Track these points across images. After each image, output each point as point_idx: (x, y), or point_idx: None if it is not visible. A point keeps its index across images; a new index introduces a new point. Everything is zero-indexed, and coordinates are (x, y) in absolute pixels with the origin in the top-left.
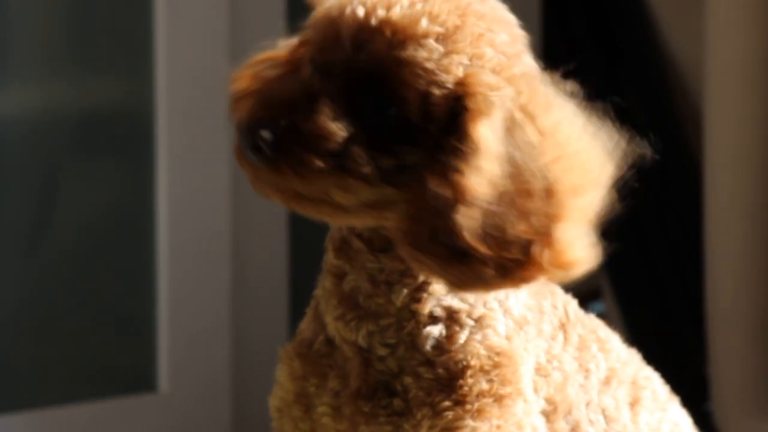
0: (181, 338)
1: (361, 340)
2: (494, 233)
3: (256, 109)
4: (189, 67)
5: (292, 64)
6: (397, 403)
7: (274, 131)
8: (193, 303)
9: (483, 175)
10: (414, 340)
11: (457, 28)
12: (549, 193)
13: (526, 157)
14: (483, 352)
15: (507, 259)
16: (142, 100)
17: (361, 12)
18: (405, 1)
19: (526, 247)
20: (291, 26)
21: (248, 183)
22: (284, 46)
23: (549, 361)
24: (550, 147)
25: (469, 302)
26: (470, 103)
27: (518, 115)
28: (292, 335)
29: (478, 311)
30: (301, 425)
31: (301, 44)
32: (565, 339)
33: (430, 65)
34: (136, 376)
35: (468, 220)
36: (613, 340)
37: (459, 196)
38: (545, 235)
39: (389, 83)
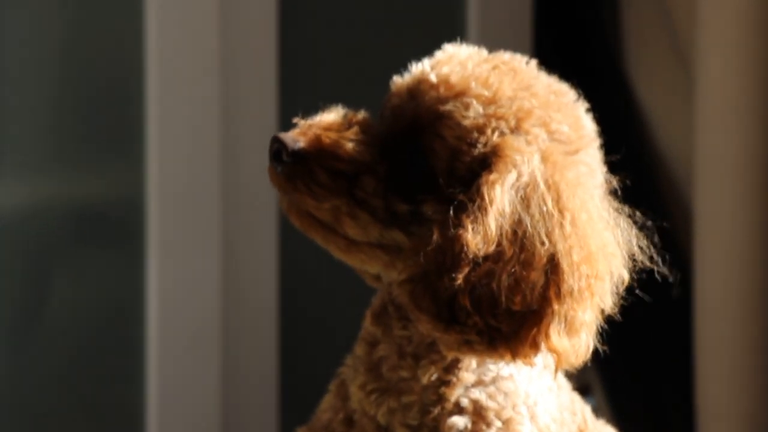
0: (171, 431)
1: (381, 417)
2: (486, 297)
3: (298, 127)
4: (180, 158)
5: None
6: None
7: (296, 143)
8: (183, 394)
9: (485, 234)
10: (438, 427)
11: (508, 98)
12: (554, 269)
13: (537, 226)
14: None
15: (495, 329)
16: (133, 191)
17: (428, 68)
18: (471, 67)
19: (517, 321)
20: (283, 116)
21: (237, 274)
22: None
23: None
24: (565, 223)
25: (498, 401)
26: (494, 163)
27: (541, 185)
28: (282, 412)
29: (507, 413)
30: None
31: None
32: None
33: (466, 123)
34: None
35: (462, 277)
36: None
37: (456, 250)
38: (539, 315)
39: (426, 133)
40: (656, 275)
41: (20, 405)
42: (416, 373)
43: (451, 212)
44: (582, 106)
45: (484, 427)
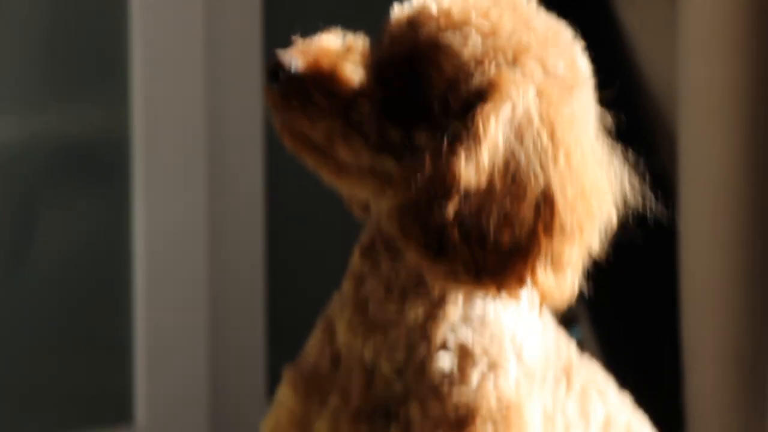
0: (158, 369)
1: (367, 353)
2: (474, 230)
3: (297, 47)
4: (166, 94)
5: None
6: (394, 429)
7: (294, 62)
8: (171, 335)
9: (478, 164)
10: (424, 366)
11: (507, 32)
12: (545, 202)
13: (530, 160)
14: (493, 402)
15: (481, 262)
16: (119, 127)
17: (430, 1)
18: (473, 2)
19: (504, 255)
20: (267, 54)
21: (224, 209)
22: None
23: (554, 410)
24: (559, 159)
25: (484, 340)
26: (490, 96)
27: (536, 119)
28: (270, 370)
29: (493, 351)
30: None
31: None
32: (568, 385)
33: (464, 53)
34: (112, 407)
35: (449, 206)
36: (610, 385)
37: (447, 180)
38: (526, 250)
39: (424, 62)
40: (645, 213)
41: (7, 340)
42: (403, 309)
43: (445, 141)
44: (578, 46)
45: (470, 365)
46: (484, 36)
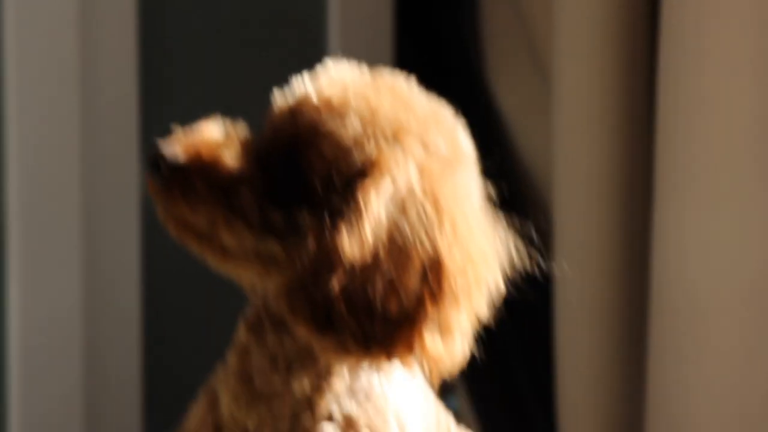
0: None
1: (251, 424)
2: (361, 302)
3: (174, 137)
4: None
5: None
6: None
7: (174, 153)
8: (45, 401)
9: (361, 239)
10: None
11: (385, 113)
12: (431, 269)
13: (415, 230)
14: None
15: (370, 333)
16: None
17: (310, 88)
18: (353, 86)
19: (392, 325)
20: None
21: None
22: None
23: None
24: (446, 229)
25: (368, 412)
26: (370, 172)
27: (418, 191)
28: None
29: (377, 423)
30: None
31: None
32: None
33: (344, 138)
34: None
35: (336, 282)
36: None
37: (332, 256)
38: (413, 318)
39: (304, 147)
40: (528, 278)
41: None
42: (288, 381)
43: (327, 218)
44: (459, 124)
45: None
46: (363, 119)
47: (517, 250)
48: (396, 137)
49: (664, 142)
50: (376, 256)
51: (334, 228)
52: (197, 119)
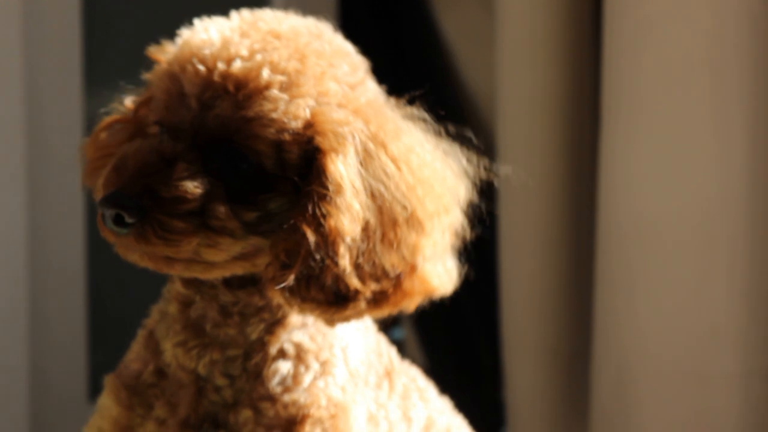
0: None
1: (201, 368)
2: (368, 269)
3: (112, 180)
4: None
5: (137, 126)
6: None
7: (134, 202)
8: None
9: (350, 213)
10: (259, 373)
11: (298, 72)
12: (411, 220)
13: (386, 188)
14: (323, 402)
15: (380, 293)
16: None
17: (202, 68)
18: (244, 52)
19: (396, 277)
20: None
21: (45, 215)
22: (128, 105)
23: (378, 410)
24: (405, 174)
25: (317, 342)
26: (322, 142)
27: (371, 146)
28: (91, 372)
29: (324, 355)
30: None
31: (143, 103)
32: (391, 387)
33: (276, 115)
34: None
35: (344, 262)
36: (431, 389)
37: (332, 240)
38: (412, 265)
39: (240, 139)
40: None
41: None
42: (244, 330)
43: (310, 208)
44: (339, 34)
45: (302, 369)
46: (285, 89)
47: (467, 156)
48: (318, 92)
49: (611, 65)
50: (366, 222)
51: (322, 213)
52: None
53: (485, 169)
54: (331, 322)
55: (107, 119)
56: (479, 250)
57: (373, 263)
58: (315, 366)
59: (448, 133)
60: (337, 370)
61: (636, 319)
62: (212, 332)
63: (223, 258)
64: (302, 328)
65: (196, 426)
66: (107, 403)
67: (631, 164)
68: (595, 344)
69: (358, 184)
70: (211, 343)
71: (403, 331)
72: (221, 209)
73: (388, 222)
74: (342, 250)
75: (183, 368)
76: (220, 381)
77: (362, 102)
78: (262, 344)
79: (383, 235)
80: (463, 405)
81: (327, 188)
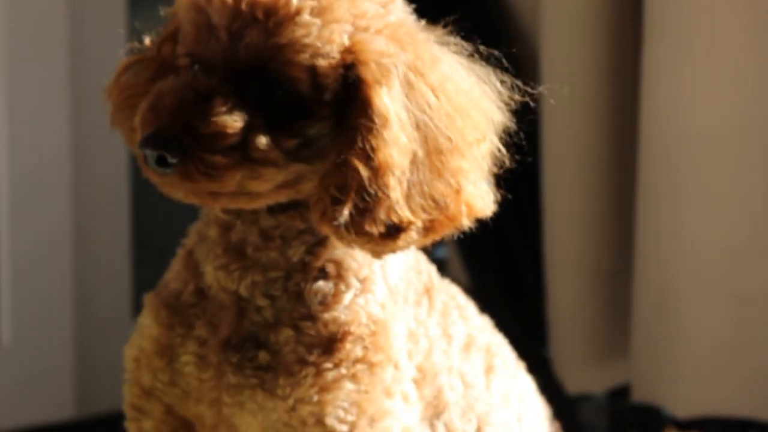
0: (24, 290)
1: (243, 290)
2: (418, 199)
3: (150, 120)
4: (27, 24)
5: (161, 63)
6: (262, 356)
7: (175, 141)
8: (36, 254)
9: (398, 146)
10: (300, 293)
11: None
12: (454, 148)
13: (429, 118)
14: (363, 319)
15: (430, 221)
16: None
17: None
18: None
19: (444, 204)
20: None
21: (90, 137)
22: (148, 44)
23: (417, 328)
24: (444, 103)
25: (357, 260)
26: (365, 73)
27: (411, 76)
28: (136, 288)
29: (364, 272)
30: (160, 376)
31: (166, 39)
32: (430, 305)
33: (309, 40)
34: None
35: (395, 194)
36: (470, 307)
37: (383, 172)
38: (458, 191)
39: (273, 66)
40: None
41: None
42: (285, 252)
43: (359, 142)
44: None
45: (343, 287)
46: (318, 14)
47: (500, 79)
48: (354, 16)
49: None
50: (414, 153)
51: (370, 145)
52: None
53: (523, 90)
54: (380, 254)
55: (126, 60)
56: (522, 170)
57: (422, 193)
58: (355, 284)
59: (482, 56)
60: (377, 287)
61: (678, 236)
62: (253, 255)
63: (267, 188)
64: (343, 246)
65: (237, 346)
66: (147, 322)
67: (675, 79)
68: (637, 262)
69: (404, 116)
70: (253, 265)
71: (445, 250)
72: (262, 140)
73: (433, 152)
74: (393, 182)
75: (224, 290)
76: (261, 301)
77: (397, 25)
78: (303, 265)
79: (430, 165)
80: (505, 323)
81: (374, 121)
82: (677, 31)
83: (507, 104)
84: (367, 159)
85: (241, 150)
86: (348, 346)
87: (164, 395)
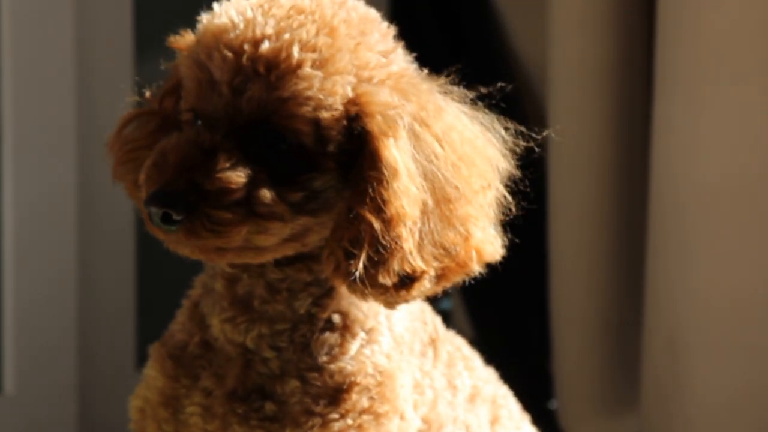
0: (27, 340)
1: (249, 342)
2: (429, 248)
3: (154, 177)
4: (36, 70)
5: (163, 117)
6: (269, 407)
7: (180, 198)
8: (40, 303)
9: (409, 196)
10: (307, 344)
11: (330, 47)
12: (461, 195)
13: (436, 167)
14: (370, 370)
15: (442, 269)
16: None
17: (229, 54)
18: (270, 31)
19: (455, 251)
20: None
21: (95, 186)
22: (148, 97)
23: (423, 378)
24: (449, 153)
25: (363, 311)
26: (371, 125)
27: (417, 127)
28: (140, 337)
29: (370, 323)
30: (165, 427)
31: (168, 92)
32: (435, 355)
33: (312, 93)
34: None
35: (408, 245)
36: (476, 358)
37: (395, 224)
38: (467, 237)
39: (277, 120)
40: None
41: None
42: (292, 305)
43: (370, 194)
44: (364, 4)
45: (349, 338)
46: (319, 67)
47: (504, 126)
48: (356, 68)
49: (665, 33)
50: (424, 203)
51: (381, 197)
52: None
53: (527, 136)
54: (393, 305)
55: (127, 114)
56: (528, 220)
57: (433, 242)
58: (361, 334)
59: (486, 103)
60: (383, 338)
61: (690, 288)
62: (260, 308)
63: (273, 242)
64: (349, 297)
65: (243, 397)
66: (152, 373)
67: (688, 132)
68: (647, 314)
69: (412, 166)
70: (259, 318)
71: (450, 302)
72: (267, 195)
73: (441, 200)
74: (405, 233)
75: (230, 342)
76: (268, 353)
77: (400, 75)
78: (309, 317)
79: (439, 214)
80: (510, 376)
81: (384, 173)
82: (689, 83)
83: (512, 151)
84: (379, 211)
85: (246, 205)
86: (354, 396)
87: None
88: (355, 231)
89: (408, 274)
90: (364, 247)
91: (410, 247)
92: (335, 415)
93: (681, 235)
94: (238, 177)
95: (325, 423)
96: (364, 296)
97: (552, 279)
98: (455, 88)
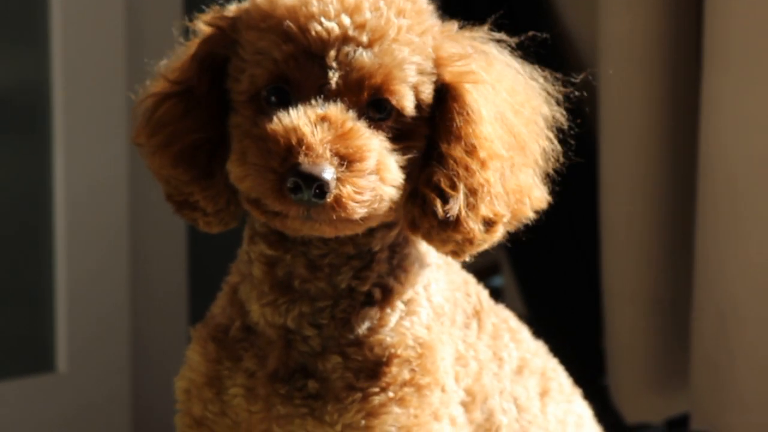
0: (80, 317)
1: (290, 322)
2: (504, 194)
3: (295, 154)
4: (85, 47)
5: (187, 98)
6: (311, 385)
7: (331, 171)
8: (92, 281)
9: (496, 140)
10: (347, 319)
11: (414, 11)
12: (527, 144)
13: (509, 114)
14: (410, 342)
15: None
16: (38, 76)
17: (332, 25)
18: (366, 3)
19: (515, 198)
20: (188, 9)
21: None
22: (166, 76)
23: (466, 350)
24: (518, 107)
25: (402, 282)
26: (455, 76)
27: (487, 78)
28: (192, 316)
29: (408, 294)
30: (210, 407)
31: (199, 73)
32: (480, 327)
33: (414, 58)
34: (34, 356)
35: (496, 188)
36: (524, 330)
37: (486, 166)
38: (524, 187)
39: (386, 87)
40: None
41: None
42: (333, 280)
43: (462, 140)
44: None
45: (388, 311)
46: (411, 30)
47: (553, 88)
48: (430, 21)
49: (713, 9)
50: (506, 147)
51: (470, 141)
52: None
53: (565, 82)
54: (463, 254)
55: (152, 98)
56: (580, 199)
57: (505, 187)
58: (400, 306)
59: (529, 60)
60: (422, 309)
61: (742, 264)
62: (301, 287)
63: (386, 208)
64: (388, 269)
65: (285, 378)
66: (195, 356)
67: (738, 105)
68: (697, 291)
69: (492, 111)
70: (300, 297)
71: (501, 279)
72: (389, 161)
73: (517, 146)
74: (493, 177)
75: (271, 325)
76: (309, 331)
77: (449, 29)
78: (350, 291)
79: (514, 159)
80: (562, 352)
81: (472, 119)
82: (738, 57)
83: (554, 97)
84: (472, 154)
85: (375, 173)
86: (394, 369)
87: (215, 425)
88: (449, 175)
89: (489, 218)
90: (460, 189)
91: (498, 190)
92: (375, 389)
93: (732, 210)
94: (374, 146)
95: (366, 397)
96: (445, 243)
97: (604, 256)
98: (496, 34)
